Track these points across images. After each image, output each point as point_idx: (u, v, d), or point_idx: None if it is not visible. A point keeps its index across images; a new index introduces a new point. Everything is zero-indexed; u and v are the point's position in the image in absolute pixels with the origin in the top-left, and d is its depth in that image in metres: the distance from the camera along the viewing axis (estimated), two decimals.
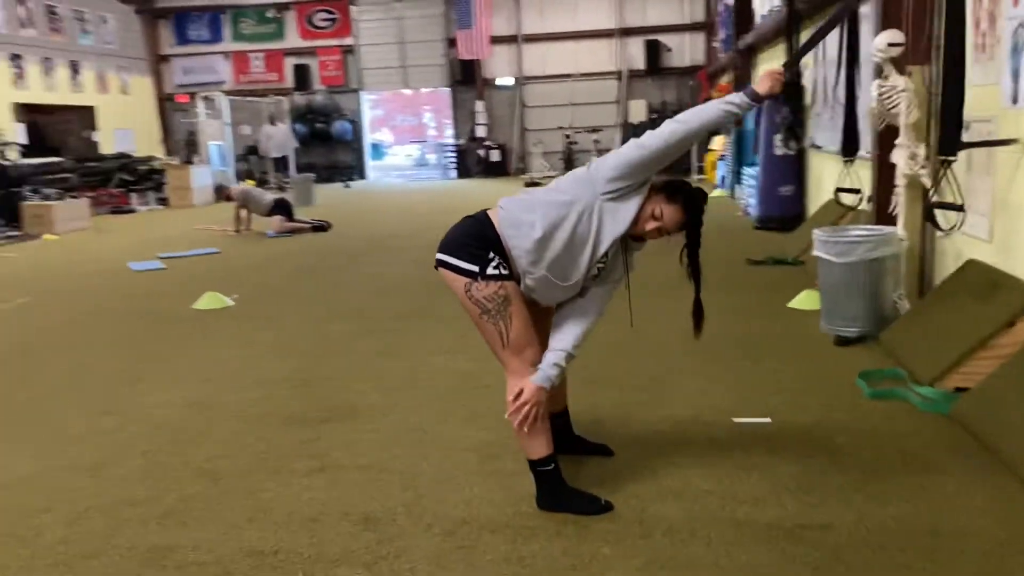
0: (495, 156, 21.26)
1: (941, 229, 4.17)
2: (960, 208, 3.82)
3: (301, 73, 22.09)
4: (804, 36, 8.14)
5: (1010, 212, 3.97)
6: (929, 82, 4.77)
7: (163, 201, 16.46)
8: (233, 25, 22.57)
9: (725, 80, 15.27)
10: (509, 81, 21.62)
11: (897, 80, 4.74)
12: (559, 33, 21.23)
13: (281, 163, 19.31)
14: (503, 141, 21.59)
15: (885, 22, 5.19)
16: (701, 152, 17.04)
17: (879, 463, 3.11)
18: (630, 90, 20.96)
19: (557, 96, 21.28)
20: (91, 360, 5.10)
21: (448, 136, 22.97)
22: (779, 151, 8.98)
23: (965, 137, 4.03)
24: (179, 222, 13.32)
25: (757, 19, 12.09)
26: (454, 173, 21.91)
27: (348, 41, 22.10)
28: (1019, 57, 3.81)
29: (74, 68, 19.38)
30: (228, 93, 20.13)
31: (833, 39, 6.30)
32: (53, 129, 19.06)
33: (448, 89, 22.09)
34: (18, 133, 17.04)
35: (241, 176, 18.60)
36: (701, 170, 16.90)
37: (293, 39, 22.39)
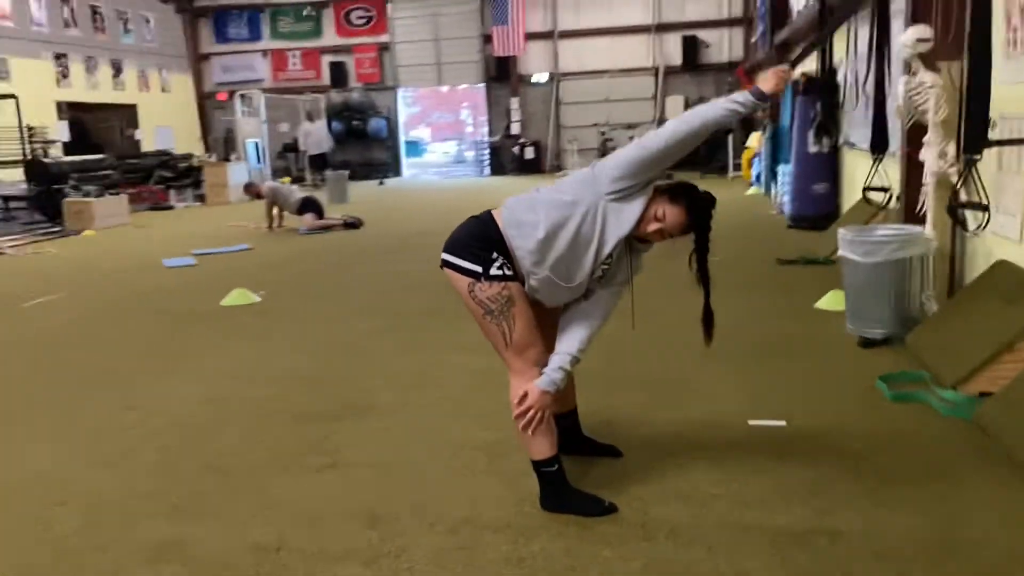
0: (529, 153, 21.25)
1: (966, 229, 4.07)
2: (985, 208, 3.71)
3: (338, 70, 22.28)
4: (837, 32, 8.00)
5: None
6: (959, 78, 4.65)
7: (200, 198, 16.72)
8: (271, 23, 22.83)
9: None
10: (544, 77, 21.58)
11: (925, 76, 4.63)
12: (595, 29, 21.14)
13: (319, 160, 19.48)
14: (538, 138, 21.57)
15: (915, 16, 5.07)
16: (737, 149, 16.88)
17: (895, 469, 3.04)
18: (667, 86, 20.81)
19: (593, 92, 21.20)
20: (116, 355, 5.19)
21: (483, 133, 23.00)
22: (812, 148, 8.84)
23: (994, 135, 3.92)
24: (215, 219, 13.51)
25: (794, 14, 11.91)
26: (488, 170, 21.93)
27: (384, 38, 22.24)
28: None
29: (116, 67, 19.77)
30: (266, 91, 20.41)
31: (864, 34, 6.17)
32: (96, 127, 19.47)
33: (483, 86, 22.11)
34: (62, 131, 17.43)
35: (279, 173, 18.83)
36: (737, 167, 16.72)
37: (330, 37, 22.59)
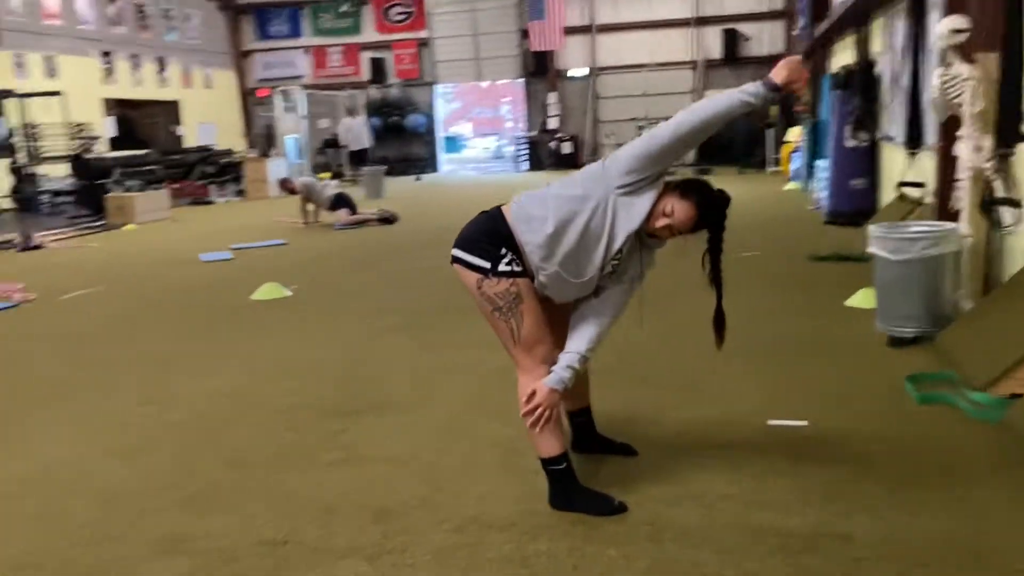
0: (567, 148, 21.14)
1: (998, 225, 3.94)
2: (1017, 204, 3.60)
3: (377, 66, 22.39)
4: (876, 25, 7.84)
5: None
6: (996, 70, 4.51)
7: (240, 193, 16.93)
8: (312, 20, 23.03)
9: None
10: (583, 72, 21.46)
11: (961, 68, 4.50)
12: (634, 23, 20.94)
13: (359, 156, 19.61)
14: (575, 133, 21.46)
15: (951, 6, 4.93)
16: (777, 144, 16.63)
17: (917, 473, 2.96)
18: (706, 80, 20.55)
19: (631, 87, 21.02)
20: (144, 348, 5.27)
21: (520, 128, 22.96)
22: (849, 143, 8.66)
23: None
24: (253, 214, 13.68)
25: (835, 5, 11.68)
26: (526, 165, 21.88)
27: (423, 34, 22.29)
28: None
29: (160, 64, 20.10)
30: (307, 87, 20.59)
31: (902, 25, 6.03)
32: (142, 123, 19.83)
33: (521, 81, 22.07)
34: (108, 127, 17.79)
35: (319, 169, 18.99)
36: (777, 163, 16.47)
37: (370, 33, 22.71)
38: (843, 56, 9.84)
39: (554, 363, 2.72)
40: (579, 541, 2.57)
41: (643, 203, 2.59)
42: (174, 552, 2.62)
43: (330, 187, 11.78)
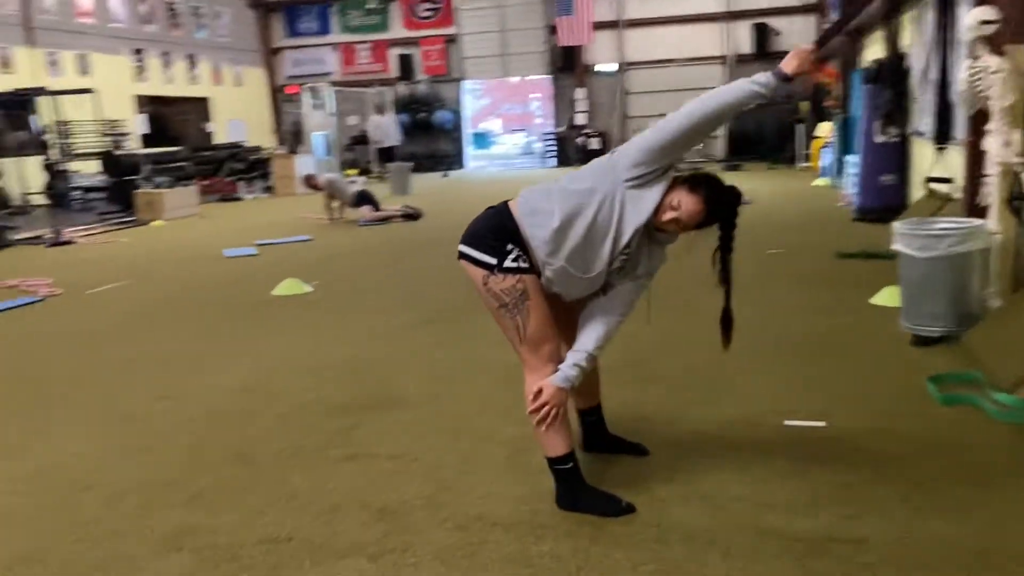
0: (594, 144, 21.02)
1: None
2: None
3: (405, 63, 22.47)
4: (906, 18, 7.68)
5: None
6: None
7: (269, 190, 17.05)
8: (340, 17, 23.14)
9: (833, 65, 14.59)
10: (611, 67, 21.33)
11: (990, 60, 4.38)
12: (663, 17, 20.80)
13: (387, 153, 19.67)
14: (603, 128, 21.35)
15: None
16: (808, 139, 16.41)
17: (935, 475, 2.87)
18: (736, 75, 20.15)
19: (660, 82, 20.83)
20: (162, 343, 5.30)
21: (549, 124, 22.87)
22: (879, 138, 8.50)
23: None
24: (281, 210, 13.76)
25: None
26: (553, 161, 21.80)
27: (451, 31, 22.30)
28: None
29: (191, 61, 20.31)
30: (336, 84, 20.67)
31: (931, 17, 5.89)
32: (174, 120, 20.06)
33: (549, 76, 21.99)
34: (140, 124, 18.02)
35: (347, 166, 19.08)
36: (807, 158, 16.26)
37: (397, 30, 22.78)
38: (874, 50, 9.66)
39: (561, 361, 2.67)
40: (584, 542, 2.52)
41: (652, 196, 2.54)
42: (176, 547, 2.62)
43: (355, 184, 11.81)
